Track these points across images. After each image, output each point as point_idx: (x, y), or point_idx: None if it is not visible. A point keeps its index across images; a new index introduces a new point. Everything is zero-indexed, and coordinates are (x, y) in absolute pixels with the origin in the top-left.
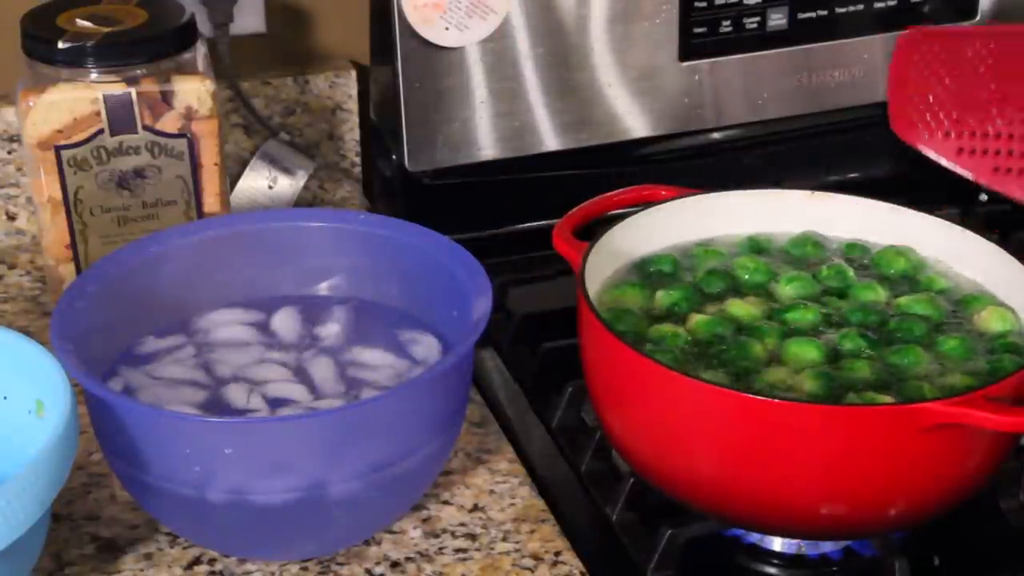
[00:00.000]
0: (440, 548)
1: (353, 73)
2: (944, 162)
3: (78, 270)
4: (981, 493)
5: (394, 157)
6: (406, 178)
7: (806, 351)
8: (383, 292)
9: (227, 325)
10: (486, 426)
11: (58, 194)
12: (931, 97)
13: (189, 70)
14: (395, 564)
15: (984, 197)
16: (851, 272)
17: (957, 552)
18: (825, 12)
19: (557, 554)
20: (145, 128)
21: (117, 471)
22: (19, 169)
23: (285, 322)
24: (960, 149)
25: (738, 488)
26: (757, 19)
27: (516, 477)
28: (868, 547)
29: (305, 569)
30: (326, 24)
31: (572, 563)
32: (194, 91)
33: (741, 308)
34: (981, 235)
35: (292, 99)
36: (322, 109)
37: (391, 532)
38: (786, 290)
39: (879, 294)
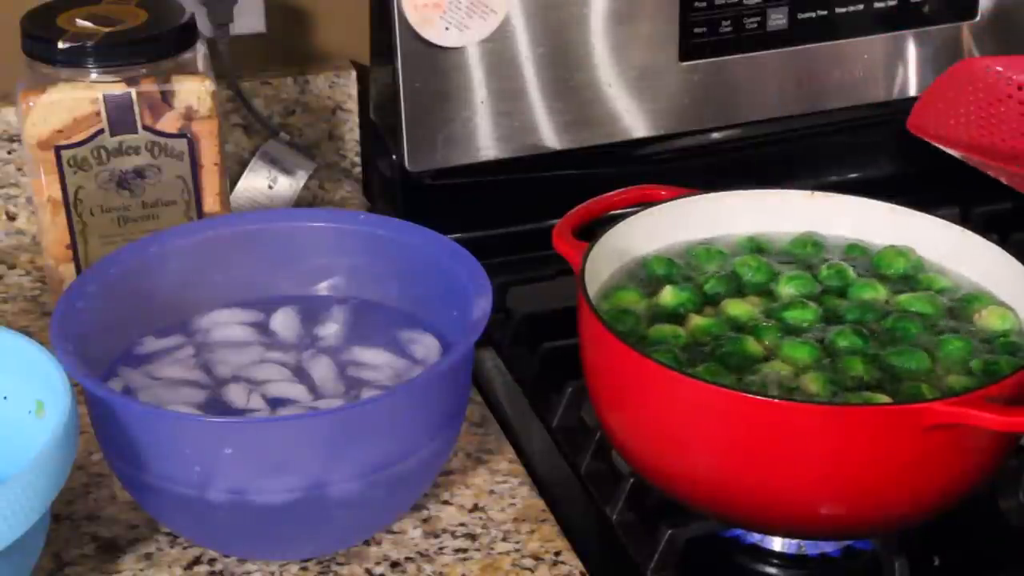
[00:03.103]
0: (440, 548)
1: (353, 73)
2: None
3: (78, 270)
4: (981, 493)
5: (394, 157)
6: (406, 178)
7: (800, 352)
8: (383, 292)
9: (227, 325)
10: (486, 426)
11: (58, 194)
12: (957, 119)
13: (189, 70)
14: (395, 564)
15: None
16: (851, 272)
17: (957, 552)
18: (825, 12)
19: (557, 554)
20: (145, 128)
21: (117, 471)
22: (19, 169)
23: (285, 322)
24: (970, 145)
25: (738, 488)
26: (757, 19)
27: (516, 477)
28: (868, 546)
29: (305, 569)
30: (326, 24)
31: (572, 563)
32: (194, 91)
33: (739, 308)
34: (981, 235)
35: (292, 99)
36: (322, 109)
37: (391, 532)
38: (786, 289)
39: (879, 292)
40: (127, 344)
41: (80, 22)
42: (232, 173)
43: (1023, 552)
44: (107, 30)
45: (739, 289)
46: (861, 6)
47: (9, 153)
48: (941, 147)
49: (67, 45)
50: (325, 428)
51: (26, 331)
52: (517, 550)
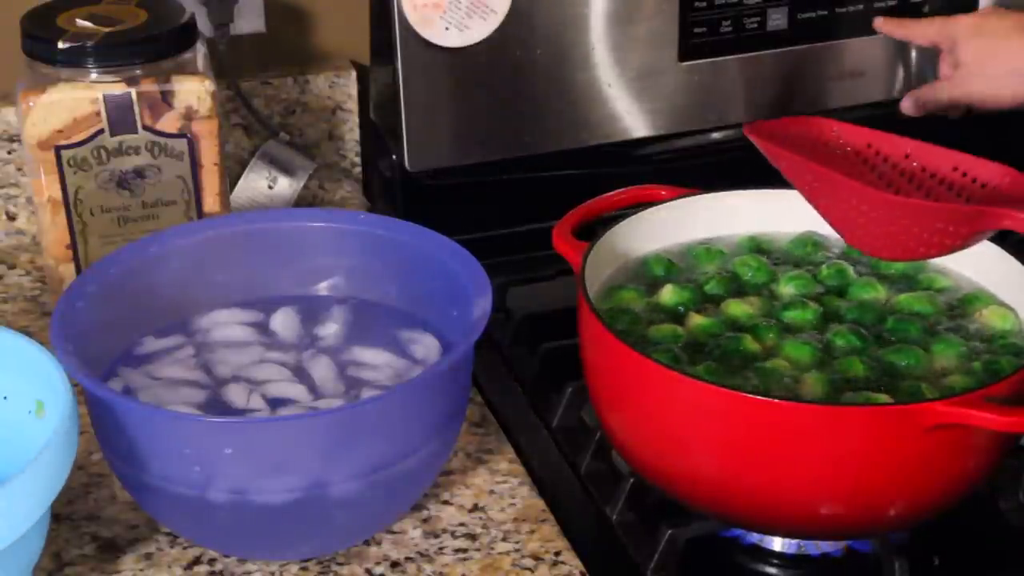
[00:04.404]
0: (440, 548)
1: (353, 73)
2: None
3: (78, 270)
4: (981, 493)
5: (394, 157)
6: (406, 178)
7: (800, 352)
8: (383, 292)
9: (227, 325)
10: (486, 426)
11: (58, 194)
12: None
13: (189, 70)
14: (395, 564)
15: None
16: (851, 271)
17: (957, 552)
18: (825, 12)
19: (557, 554)
20: (145, 128)
21: (117, 471)
22: (19, 169)
23: (285, 322)
24: None
25: (738, 488)
26: (757, 19)
27: (516, 477)
28: (868, 547)
29: (305, 569)
30: (326, 24)
31: (572, 563)
32: (194, 91)
33: (739, 308)
34: None
35: (292, 99)
36: (322, 109)
37: (391, 532)
38: (786, 289)
39: (878, 291)
40: (127, 344)
41: (80, 22)
42: (232, 173)
43: (1023, 552)
44: (107, 30)
45: (739, 289)
46: (861, 6)
47: (9, 153)
48: (766, 151)
49: (67, 45)
50: (325, 428)
51: (26, 331)
52: (517, 550)
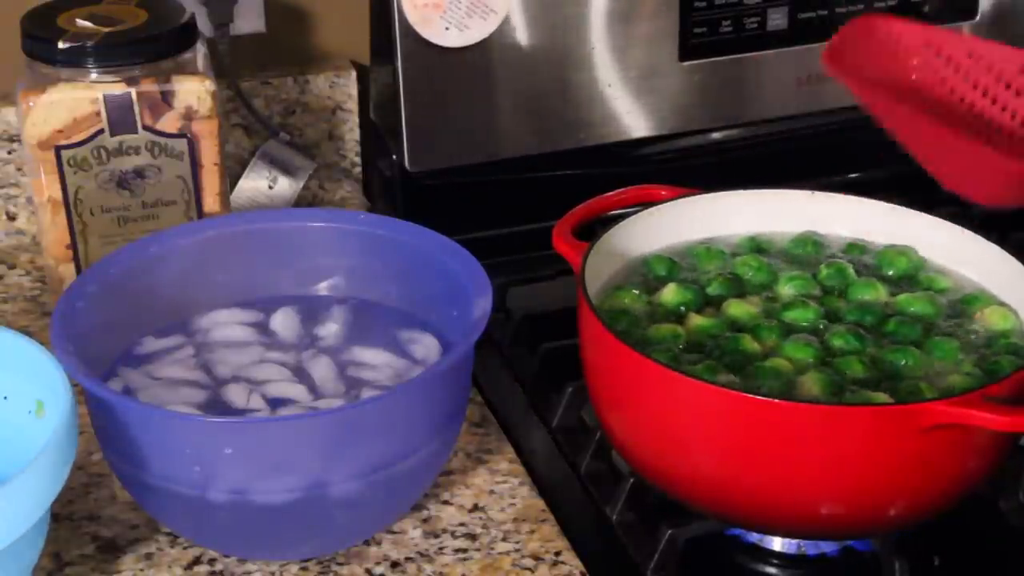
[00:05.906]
0: (440, 548)
1: (353, 73)
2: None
3: (78, 270)
4: (981, 493)
5: (394, 157)
6: (406, 178)
7: (800, 352)
8: (383, 292)
9: (227, 325)
10: (486, 426)
11: (58, 194)
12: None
13: (189, 70)
14: (395, 564)
15: None
16: (851, 271)
17: (957, 552)
18: (825, 12)
19: (557, 554)
20: (145, 128)
21: (117, 471)
22: (19, 169)
23: (285, 322)
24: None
25: (738, 488)
26: (757, 19)
27: (516, 477)
28: (868, 547)
29: (305, 569)
30: (326, 24)
31: (572, 563)
32: (194, 91)
33: (739, 308)
34: (981, 235)
35: (292, 99)
36: (322, 109)
37: (391, 532)
38: (786, 289)
39: (879, 292)
40: (127, 344)
41: (80, 22)
42: (232, 173)
43: (1023, 552)
44: (107, 30)
45: (741, 290)
46: (861, 6)
47: (9, 153)
48: (848, 85)
49: (67, 45)
50: (325, 428)
51: (26, 331)
52: (517, 550)
